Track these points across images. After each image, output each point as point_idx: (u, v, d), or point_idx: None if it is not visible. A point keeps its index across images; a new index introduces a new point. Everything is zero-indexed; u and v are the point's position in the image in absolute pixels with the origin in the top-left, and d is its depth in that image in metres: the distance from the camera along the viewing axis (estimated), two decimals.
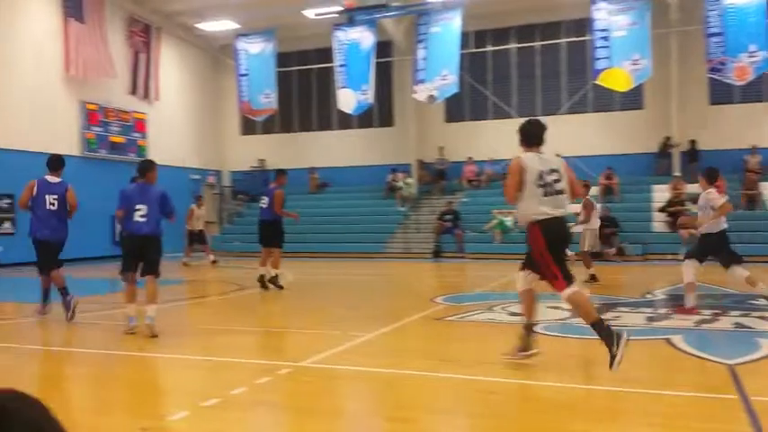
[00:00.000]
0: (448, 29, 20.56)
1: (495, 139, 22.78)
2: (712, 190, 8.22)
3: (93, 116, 20.79)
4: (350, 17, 21.67)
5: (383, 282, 14.96)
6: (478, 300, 10.51)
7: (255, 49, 23.01)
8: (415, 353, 6.76)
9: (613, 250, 17.76)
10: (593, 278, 11.67)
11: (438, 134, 24.36)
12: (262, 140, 26.63)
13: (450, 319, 8.60)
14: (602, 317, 5.54)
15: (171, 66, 24.37)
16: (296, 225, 17.11)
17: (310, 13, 22.36)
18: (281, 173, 12.55)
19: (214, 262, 17.95)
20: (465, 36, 21.23)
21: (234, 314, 10.04)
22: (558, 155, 6.25)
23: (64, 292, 8.65)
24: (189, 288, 13.48)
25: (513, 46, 23.73)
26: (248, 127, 26.59)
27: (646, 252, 18.28)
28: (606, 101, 22.39)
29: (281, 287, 12.00)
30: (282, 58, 23.70)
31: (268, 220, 11.98)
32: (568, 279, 5.41)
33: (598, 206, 12.23)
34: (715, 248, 8.28)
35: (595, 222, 11.95)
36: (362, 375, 5.78)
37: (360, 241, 21.04)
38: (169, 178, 23.54)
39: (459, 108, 24.26)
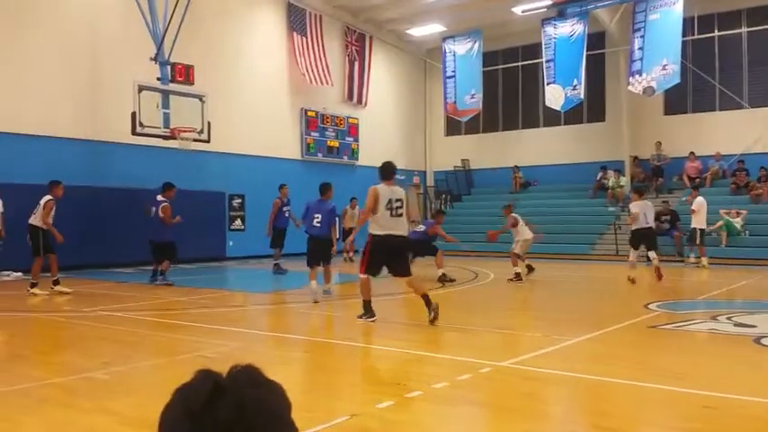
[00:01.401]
0: (668, 15, 19.12)
1: (722, 133, 20.73)
2: None
3: (312, 122, 22.47)
4: (560, 10, 21.06)
5: (590, 285, 14.34)
6: (700, 308, 9.67)
7: (462, 50, 23.30)
8: (623, 361, 6.40)
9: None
10: (517, 276, 13.56)
11: (655, 128, 22.73)
12: (466, 140, 26.87)
13: (665, 327, 8.02)
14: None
15: (381, 71, 25.53)
16: (496, 226, 17.03)
17: (518, 10, 22.10)
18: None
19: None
20: (687, 22, 19.59)
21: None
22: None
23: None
24: (390, 284, 14.00)
25: (743, 30, 21.40)
26: (453, 127, 26.98)
27: None
28: None
29: (452, 280, 13.49)
30: (487, 57, 23.73)
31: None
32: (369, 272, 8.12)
33: (521, 221, 14.35)
34: None
35: (526, 233, 14.16)
36: (565, 380, 5.61)
37: (565, 242, 20.35)
38: (377, 179, 24.73)
39: (680, 99, 22.41)
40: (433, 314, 7.83)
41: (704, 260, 16.81)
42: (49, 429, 4.30)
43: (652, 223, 13.42)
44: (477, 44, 22.99)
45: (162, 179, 14.01)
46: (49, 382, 5.34)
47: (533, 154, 24.93)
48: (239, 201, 20.02)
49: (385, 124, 25.73)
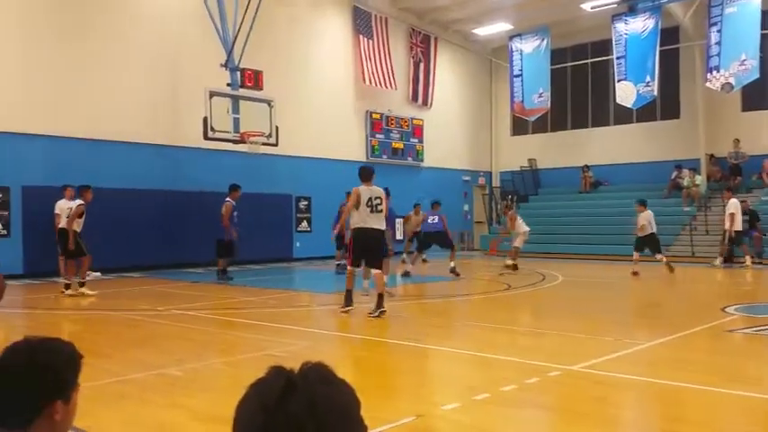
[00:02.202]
0: (746, 8, 18.31)
1: None
2: None
3: (377, 124, 22.60)
4: (631, 6, 20.48)
5: (664, 287, 13.85)
6: None
7: (529, 49, 22.96)
8: (698, 366, 6.16)
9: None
10: (514, 267, 15.58)
11: (733, 125, 21.78)
12: (533, 140, 26.43)
13: (744, 331, 7.69)
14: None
15: (446, 72, 25.43)
16: (564, 226, 16.69)
17: (587, 6, 21.61)
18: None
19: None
20: (765, 15, 18.71)
21: (502, 313, 10.14)
22: None
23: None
24: (458, 285, 13.93)
25: None
26: (519, 127, 26.60)
27: None
28: None
29: (458, 274, 14.35)
30: (556, 55, 23.28)
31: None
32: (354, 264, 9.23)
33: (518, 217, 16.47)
34: None
35: (524, 227, 16.23)
36: (637, 384, 5.44)
37: None
38: (442, 180, 24.71)
39: (758, 95, 21.37)
40: (377, 313, 8.71)
41: None
42: (127, 423, 4.48)
43: (654, 230, 15.42)
44: (544, 42, 22.61)
45: (231, 183, 14.41)
46: (126, 378, 5.57)
47: (604, 153, 24.29)
48: (306, 203, 20.33)
49: (450, 125, 25.61)
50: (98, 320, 9.19)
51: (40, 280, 13.74)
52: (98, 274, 14.62)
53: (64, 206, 13.93)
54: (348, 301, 9.14)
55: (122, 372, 5.77)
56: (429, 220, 14.97)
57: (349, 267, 9.28)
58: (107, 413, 4.53)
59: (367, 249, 9.04)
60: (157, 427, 4.39)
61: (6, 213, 14.13)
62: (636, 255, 15.49)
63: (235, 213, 14.03)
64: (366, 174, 9.23)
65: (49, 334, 1.84)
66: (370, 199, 9.00)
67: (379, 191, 9.12)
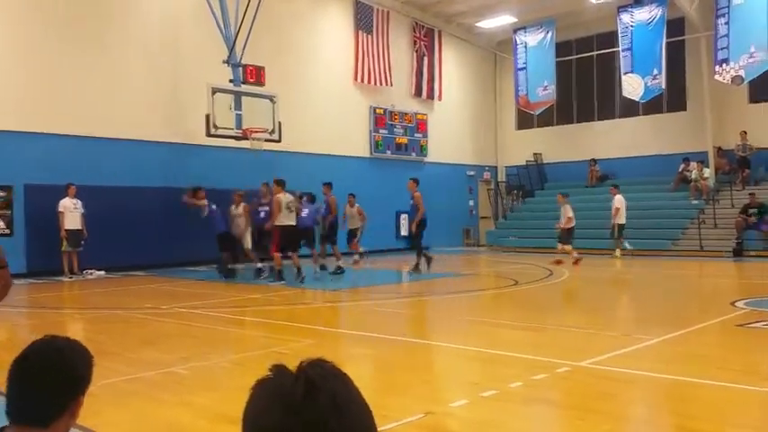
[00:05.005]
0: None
1: None
2: None
3: (381, 119, 22.51)
4: None
5: (672, 282, 13.77)
6: None
7: (534, 42, 22.81)
8: (709, 361, 6.10)
9: None
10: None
11: (740, 117, 21.61)
12: (538, 134, 26.30)
13: (754, 325, 7.60)
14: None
15: (450, 66, 25.31)
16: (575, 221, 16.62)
17: None
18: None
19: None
20: None
21: (510, 309, 10.09)
22: None
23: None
24: (464, 282, 13.88)
25: None
26: (524, 121, 26.47)
27: None
28: None
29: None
30: (560, 48, 23.11)
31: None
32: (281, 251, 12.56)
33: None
34: None
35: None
36: (647, 380, 5.38)
37: (645, 237, 19.61)
38: (446, 175, 24.63)
39: (766, 86, 21.20)
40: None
41: None
42: (134, 422, 4.45)
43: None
44: (549, 34, 22.45)
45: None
46: (133, 377, 5.54)
47: (610, 146, 24.14)
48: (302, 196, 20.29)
49: (454, 119, 25.51)
50: (104, 319, 9.17)
51: (42, 279, 13.74)
52: (102, 272, 14.62)
53: (68, 204, 13.96)
54: (280, 277, 12.63)
55: (129, 370, 5.74)
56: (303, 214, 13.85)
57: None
58: (114, 412, 4.50)
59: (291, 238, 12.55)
60: (165, 425, 4.37)
61: (9, 212, 14.12)
62: (561, 247, 16.34)
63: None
64: (282, 182, 12.58)
65: (55, 333, 1.82)
66: (288, 204, 12.43)
67: (293, 197, 12.86)
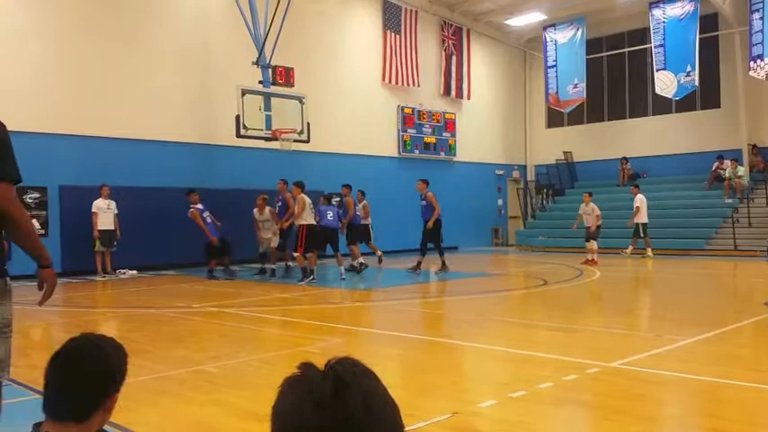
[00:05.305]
0: None
1: None
2: None
3: (409, 119, 22.49)
4: None
5: (705, 282, 13.53)
6: None
7: (564, 39, 22.59)
8: (743, 362, 5.99)
9: None
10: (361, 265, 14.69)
11: None
12: (568, 132, 26.03)
13: None
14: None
15: (478, 64, 25.18)
16: (604, 220, 16.44)
17: None
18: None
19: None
20: None
21: (540, 309, 10.01)
22: None
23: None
24: (493, 281, 13.80)
25: None
26: (554, 119, 26.22)
27: None
28: None
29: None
30: (591, 45, 22.85)
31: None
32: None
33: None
34: None
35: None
36: (679, 381, 5.30)
37: (678, 237, 19.31)
38: (475, 174, 24.52)
39: None
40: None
41: None
42: (165, 419, 4.52)
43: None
44: (579, 31, 22.22)
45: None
46: (165, 375, 5.62)
47: (642, 144, 23.80)
48: (338, 199, 20.35)
49: (483, 118, 25.38)
50: (136, 318, 9.32)
51: (77, 278, 14.01)
52: (134, 272, 14.86)
53: (102, 205, 14.22)
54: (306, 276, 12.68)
55: (160, 368, 5.83)
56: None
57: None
58: (145, 409, 4.57)
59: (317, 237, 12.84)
60: (195, 423, 4.42)
61: (44, 213, 14.42)
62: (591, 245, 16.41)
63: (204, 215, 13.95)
64: (303, 185, 12.80)
65: (90, 331, 1.86)
66: (311, 204, 12.83)
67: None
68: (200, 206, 13.98)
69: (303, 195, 12.77)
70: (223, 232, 14.14)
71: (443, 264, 14.13)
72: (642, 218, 17.92)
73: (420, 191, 14.30)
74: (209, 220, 13.95)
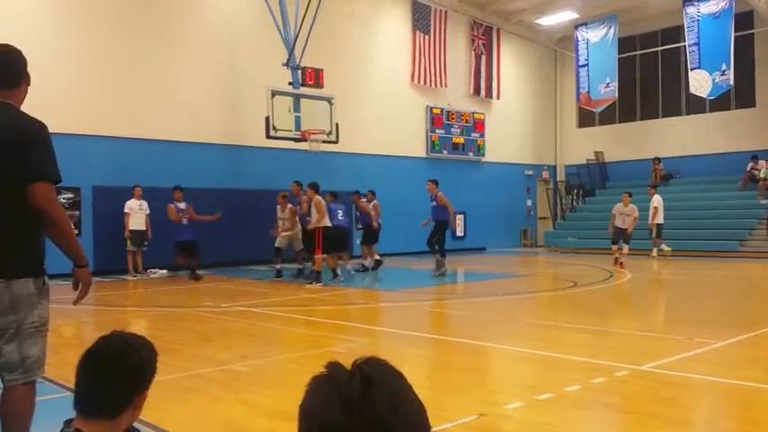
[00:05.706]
0: None
1: None
2: None
3: (437, 119, 22.44)
4: None
5: (738, 284, 13.25)
6: None
7: (595, 38, 22.34)
8: None
9: None
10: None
11: None
12: (599, 132, 25.73)
13: None
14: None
15: (508, 64, 25.02)
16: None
17: None
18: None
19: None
20: None
21: (569, 310, 9.90)
22: None
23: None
24: (521, 283, 13.70)
25: None
26: (585, 119, 25.93)
27: None
28: None
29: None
30: (623, 43, 22.56)
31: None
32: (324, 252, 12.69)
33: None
34: None
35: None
36: (710, 385, 5.21)
37: (711, 238, 18.96)
38: (504, 174, 24.35)
39: None
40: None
41: None
42: (193, 417, 4.58)
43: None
44: (611, 30, 21.95)
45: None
46: (194, 373, 5.69)
47: (675, 144, 23.42)
48: (363, 199, 20.37)
49: (512, 118, 25.21)
50: (165, 317, 9.46)
51: (109, 277, 14.25)
52: (165, 271, 15.07)
53: (134, 205, 14.45)
54: (326, 277, 12.64)
55: (189, 367, 5.90)
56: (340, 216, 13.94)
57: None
58: (174, 407, 4.64)
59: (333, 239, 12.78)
60: (223, 421, 4.47)
61: (77, 213, 14.69)
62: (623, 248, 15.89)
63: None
64: (318, 187, 12.69)
65: (120, 329, 1.90)
66: (328, 206, 12.81)
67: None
68: (182, 204, 14.10)
69: (319, 198, 12.84)
70: (196, 235, 14.19)
71: (441, 264, 14.18)
72: (659, 218, 17.92)
73: (430, 191, 14.31)
74: (185, 221, 14.02)
